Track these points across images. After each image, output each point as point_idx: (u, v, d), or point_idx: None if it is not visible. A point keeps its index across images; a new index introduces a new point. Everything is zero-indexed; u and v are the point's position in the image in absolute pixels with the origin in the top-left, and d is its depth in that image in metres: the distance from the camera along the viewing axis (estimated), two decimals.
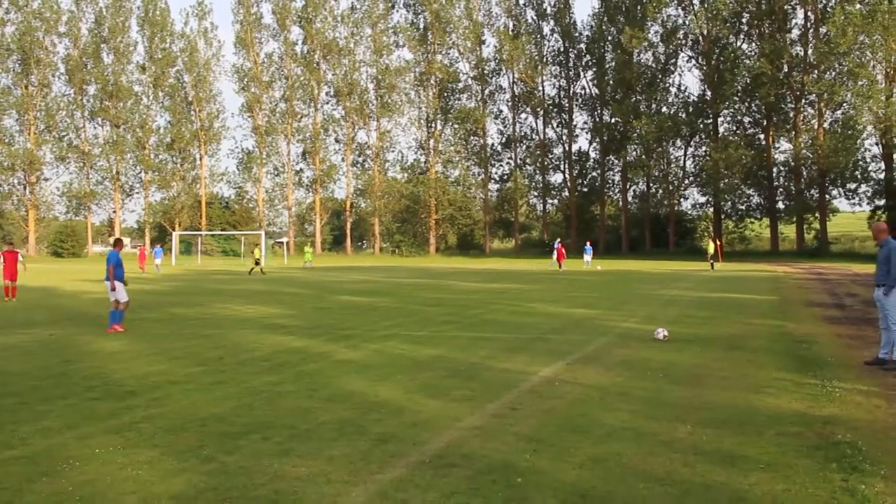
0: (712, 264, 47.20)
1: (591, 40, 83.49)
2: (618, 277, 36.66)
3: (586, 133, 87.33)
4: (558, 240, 53.68)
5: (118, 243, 16.40)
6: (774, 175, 72.49)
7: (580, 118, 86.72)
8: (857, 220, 70.67)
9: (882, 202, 64.47)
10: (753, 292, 25.68)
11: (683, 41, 77.17)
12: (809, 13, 68.49)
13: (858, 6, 61.06)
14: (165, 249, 71.61)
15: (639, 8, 75.63)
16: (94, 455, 6.26)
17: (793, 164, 69.96)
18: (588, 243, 53.68)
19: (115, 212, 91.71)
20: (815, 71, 66.09)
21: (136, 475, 5.74)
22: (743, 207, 75.37)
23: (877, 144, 65.02)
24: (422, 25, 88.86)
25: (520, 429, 7.04)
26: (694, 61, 77.67)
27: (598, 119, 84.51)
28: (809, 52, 67.15)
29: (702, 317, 17.28)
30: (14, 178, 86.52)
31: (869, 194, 65.83)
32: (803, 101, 69.24)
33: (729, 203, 74.83)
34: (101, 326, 16.11)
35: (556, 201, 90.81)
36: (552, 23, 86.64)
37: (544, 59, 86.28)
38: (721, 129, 75.96)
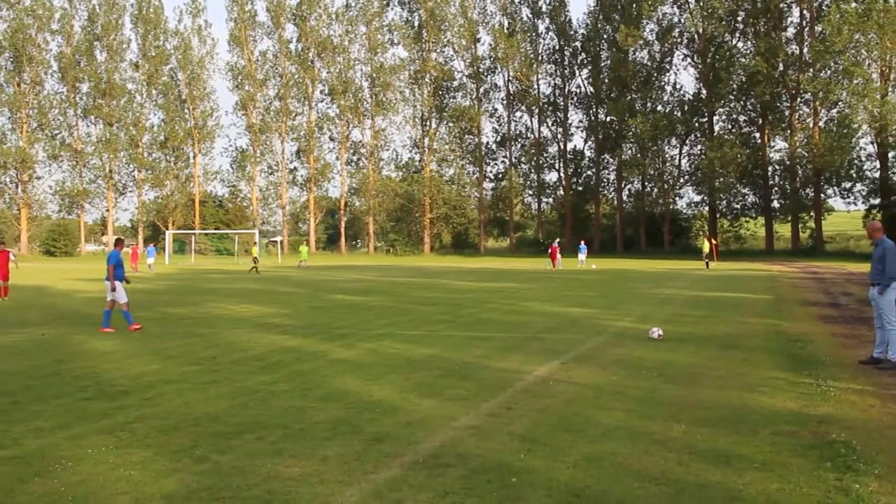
0: (707, 263, 47.25)
1: (586, 38, 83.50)
2: (613, 276, 36.69)
3: (581, 131, 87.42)
4: (558, 239, 53.62)
5: (119, 243, 16.36)
6: (770, 174, 72.60)
7: (575, 116, 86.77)
8: (852, 218, 70.91)
9: (877, 201, 64.66)
10: (748, 291, 25.72)
11: (679, 39, 77.29)
12: (805, 11, 68.66)
13: (854, 5, 61.22)
14: (158, 248, 71.44)
15: (634, 6, 75.70)
16: (87, 455, 6.23)
17: (788, 162, 70.10)
18: (582, 242, 53.66)
19: (108, 210, 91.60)
20: (811, 69, 66.24)
21: (128, 475, 5.71)
22: (738, 206, 75.47)
23: (872, 143, 65.21)
24: (416, 23, 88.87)
25: (514, 428, 7.03)
26: (689, 60, 77.87)
27: (593, 117, 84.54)
28: (805, 50, 67.28)
29: (697, 316, 17.29)
30: (6, 177, 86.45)
31: (864, 193, 66.02)
32: (799, 99, 69.36)
33: (724, 202, 74.92)
34: (94, 326, 16.06)
35: (550, 200, 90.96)
36: (547, 21, 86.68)
37: (539, 58, 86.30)
38: (716, 128, 76.17)
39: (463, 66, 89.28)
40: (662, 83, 80.00)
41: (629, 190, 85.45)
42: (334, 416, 7.59)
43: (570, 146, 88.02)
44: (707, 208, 78.12)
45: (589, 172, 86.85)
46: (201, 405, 8.10)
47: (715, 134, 74.73)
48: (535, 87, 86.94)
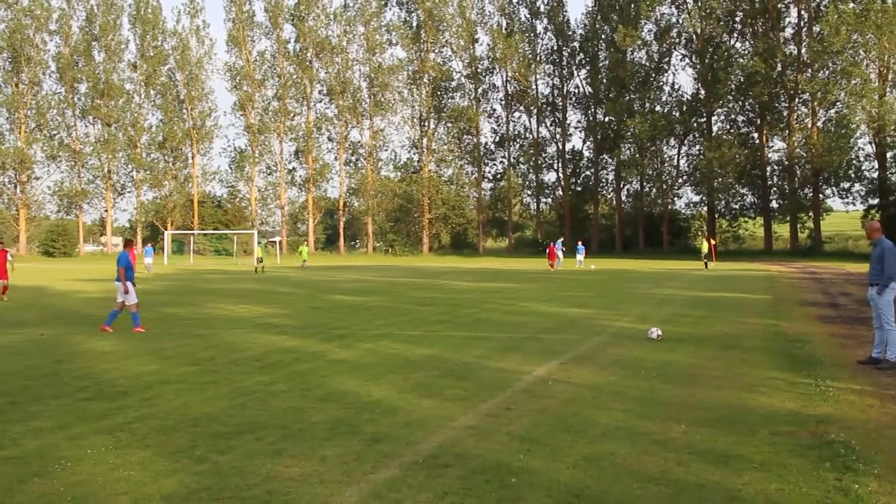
0: (706, 263, 47.27)
1: (584, 39, 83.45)
2: (611, 276, 36.71)
3: (580, 132, 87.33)
4: (560, 240, 53.54)
5: (129, 244, 16.36)
6: (768, 174, 72.58)
7: (574, 117, 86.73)
8: (851, 219, 70.91)
9: (875, 201, 64.70)
10: (747, 291, 25.73)
11: (677, 40, 77.28)
12: (803, 12, 68.66)
13: (852, 5, 61.26)
14: (157, 249, 71.36)
15: (632, 6, 75.67)
16: (86, 455, 6.23)
17: (786, 163, 70.08)
18: (580, 242, 53.59)
19: (106, 211, 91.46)
20: (809, 70, 66.25)
21: (127, 476, 5.71)
22: (737, 206, 75.44)
23: (870, 143, 65.29)
24: (415, 23, 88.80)
25: (513, 428, 7.03)
26: (687, 60, 77.79)
27: (591, 118, 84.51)
28: (803, 50, 67.30)
29: (695, 316, 17.30)
30: (5, 177, 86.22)
31: (862, 193, 66.07)
32: (797, 100, 69.36)
33: (723, 202, 74.89)
34: (93, 326, 16.06)
35: (549, 200, 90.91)
36: (545, 21, 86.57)
37: (538, 58, 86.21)
38: (715, 128, 76.16)
39: (461, 66, 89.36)
40: (661, 83, 79.97)
41: (628, 190, 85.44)
42: (333, 416, 7.59)
43: (568, 146, 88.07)
44: (706, 208, 78.09)
45: (587, 173, 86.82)
46: (200, 405, 8.10)
47: (713, 134, 74.72)
48: (534, 87, 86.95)
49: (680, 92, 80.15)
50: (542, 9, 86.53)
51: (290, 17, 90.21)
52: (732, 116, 75.59)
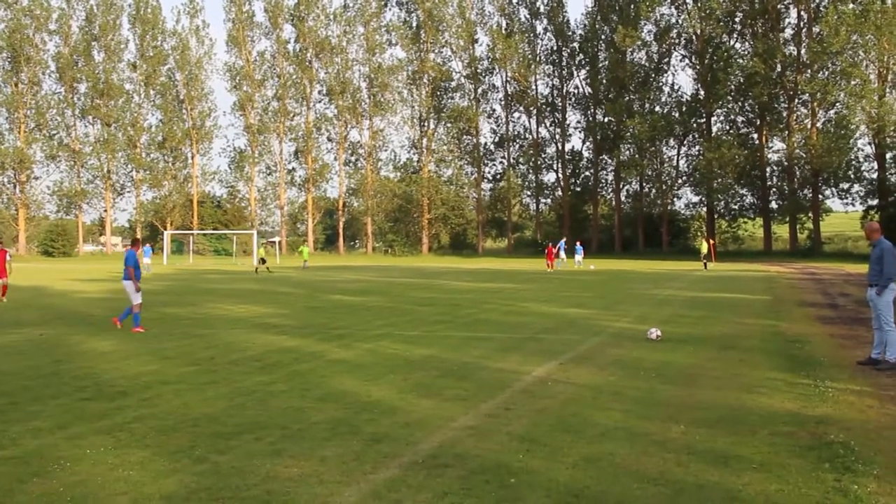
0: (705, 264, 47.29)
1: (584, 39, 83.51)
2: (611, 277, 36.71)
3: (579, 132, 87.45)
4: (563, 240, 53.54)
5: (136, 243, 16.36)
6: (767, 175, 72.61)
7: (573, 117, 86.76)
8: (850, 219, 70.91)
9: (875, 202, 64.74)
10: (746, 292, 25.74)
11: (677, 40, 77.32)
12: (803, 12, 68.68)
13: (851, 6, 61.31)
14: (156, 249, 71.38)
15: (632, 7, 75.75)
16: (86, 455, 6.23)
17: (786, 163, 70.10)
18: (578, 243, 53.51)
19: (106, 211, 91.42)
20: (809, 70, 66.27)
21: (127, 476, 5.71)
22: (736, 207, 75.47)
23: (869, 144, 65.34)
24: (414, 24, 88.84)
25: (513, 428, 7.03)
26: (687, 60, 77.83)
27: (591, 118, 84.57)
28: (803, 51, 67.32)
29: (695, 316, 17.30)
30: (4, 177, 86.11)
31: (862, 194, 66.12)
32: (796, 100, 69.39)
33: (722, 203, 74.92)
34: (92, 325, 16.06)
35: (549, 201, 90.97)
36: (545, 21, 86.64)
37: (537, 58, 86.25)
38: (714, 129, 76.17)
39: (461, 66, 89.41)
40: (660, 84, 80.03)
41: (627, 191, 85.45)
42: (333, 416, 7.59)
43: (568, 147, 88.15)
44: (705, 209, 78.10)
45: (587, 173, 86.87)
46: (200, 406, 8.10)
47: (713, 135, 74.74)
48: (533, 87, 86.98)
49: (679, 92, 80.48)
50: (541, 9, 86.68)
51: (289, 17, 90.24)
52: (732, 117, 75.64)
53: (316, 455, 6.21)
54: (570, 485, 5.46)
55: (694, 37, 74.54)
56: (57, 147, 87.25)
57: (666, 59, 78.97)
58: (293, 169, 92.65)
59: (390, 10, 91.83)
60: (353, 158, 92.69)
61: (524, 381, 9.44)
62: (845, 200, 67.11)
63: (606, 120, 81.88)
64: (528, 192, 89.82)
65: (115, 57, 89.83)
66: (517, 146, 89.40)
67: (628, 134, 76.54)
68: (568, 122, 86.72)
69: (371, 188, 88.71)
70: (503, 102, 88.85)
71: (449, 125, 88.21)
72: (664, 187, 79.70)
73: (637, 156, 78.71)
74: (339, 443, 6.58)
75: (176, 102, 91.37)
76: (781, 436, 6.77)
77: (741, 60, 70.07)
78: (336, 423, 7.31)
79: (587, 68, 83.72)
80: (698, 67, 74.66)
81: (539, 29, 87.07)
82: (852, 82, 61.92)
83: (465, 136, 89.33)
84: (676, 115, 76.47)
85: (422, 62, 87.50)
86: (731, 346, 12.37)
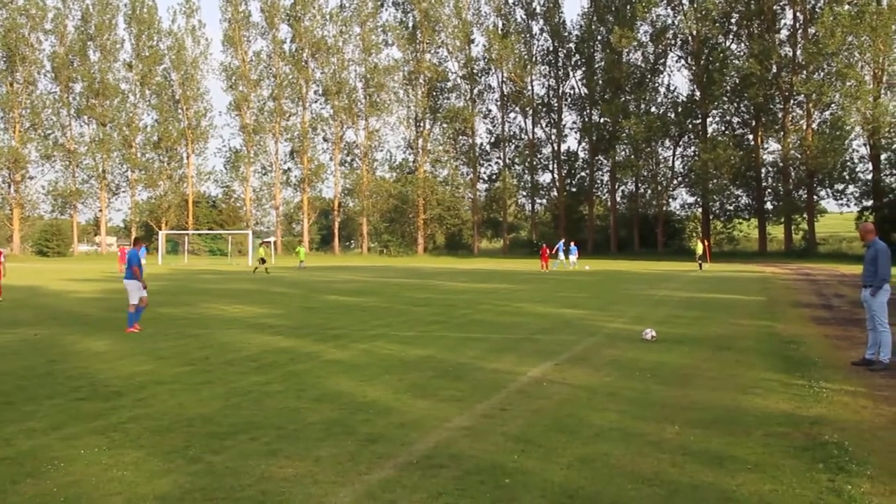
0: (700, 265, 47.34)
1: (580, 40, 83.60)
2: (606, 278, 36.74)
3: (575, 133, 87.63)
4: (562, 241, 53.56)
5: (138, 242, 16.38)
6: (763, 175, 72.78)
7: (569, 118, 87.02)
8: (845, 220, 71.09)
9: (869, 203, 64.89)
10: (741, 293, 25.78)
11: (673, 41, 77.43)
12: (798, 14, 68.79)
13: (847, 7, 61.44)
14: (150, 249, 71.23)
15: (628, 7, 75.76)
16: (80, 456, 6.22)
17: (781, 164, 70.26)
18: (573, 243, 53.48)
19: (101, 211, 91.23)
20: (804, 71, 66.39)
21: (121, 476, 5.70)
22: (731, 208, 75.63)
23: (864, 145, 65.44)
24: (411, 24, 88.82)
25: (508, 429, 7.03)
26: (683, 61, 78.00)
27: (587, 119, 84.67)
28: (798, 52, 67.44)
29: (690, 317, 17.32)
30: None
31: (856, 195, 66.23)
32: (792, 101, 69.53)
33: (717, 203, 75.05)
34: (86, 325, 16.04)
35: (544, 201, 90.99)
36: (541, 22, 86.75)
37: (533, 59, 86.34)
38: (710, 130, 76.23)
39: (457, 66, 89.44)
40: (656, 85, 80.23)
41: (623, 191, 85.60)
42: (328, 416, 7.58)
43: (563, 147, 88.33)
44: (700, 210, 78.21)
45: (583, 174, 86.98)
46: (195, 406, 8.09)
47: (708, 135, 74.80)
48: (529, 88, 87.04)
49: (675, 93, 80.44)
50: (537, 10, 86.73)
51: (286, 17, 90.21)
52: (727, 118, 75.75)
53: (311, 455, 6.20)
54: (565, 485, 5.46)
55: (690, 38, 74.65)
56: (52, 147, 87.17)
57: (662, 60, 79.11)
58: (289, 169, 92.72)
59: (386, 10, 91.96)
60: (348, 158, 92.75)
61: (519, 381, 9.44)
62: (840, 201, 67.29)
63: (602, 120, 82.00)
64: (524, 193, 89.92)
65: (111, 57, 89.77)
66: (513, 146, 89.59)
67: (624, 134, 76.63)
68: (564, 122, 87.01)
69: (367, 188, 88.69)
70: (499, 103, 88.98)
71: (445, 125, 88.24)
72: (660, 188, 79.78)
73: (633, 156, 78.78)
74: (334, 443, 6.58)
75: (171, 102, 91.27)
76: (776, 436, 6.78)
77: (737, 61, 70.20)
78: (331, 423, 7.31)
79: (583, 69, 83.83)
80: (694, 68, 74.77)
81: (535, 29, 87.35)
82: (847, 83, 62.02)
83: (460, 137, 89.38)
84: (672, 115, 76.59)
85: (418, 62, 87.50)
86: (727, 347, 12.38)
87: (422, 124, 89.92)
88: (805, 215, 69.12)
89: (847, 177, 65.57)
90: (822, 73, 65.33)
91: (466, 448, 6.40)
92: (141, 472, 5.78)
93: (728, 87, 70.86)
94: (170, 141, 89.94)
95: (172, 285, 32.01)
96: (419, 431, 6.97)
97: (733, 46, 73.70)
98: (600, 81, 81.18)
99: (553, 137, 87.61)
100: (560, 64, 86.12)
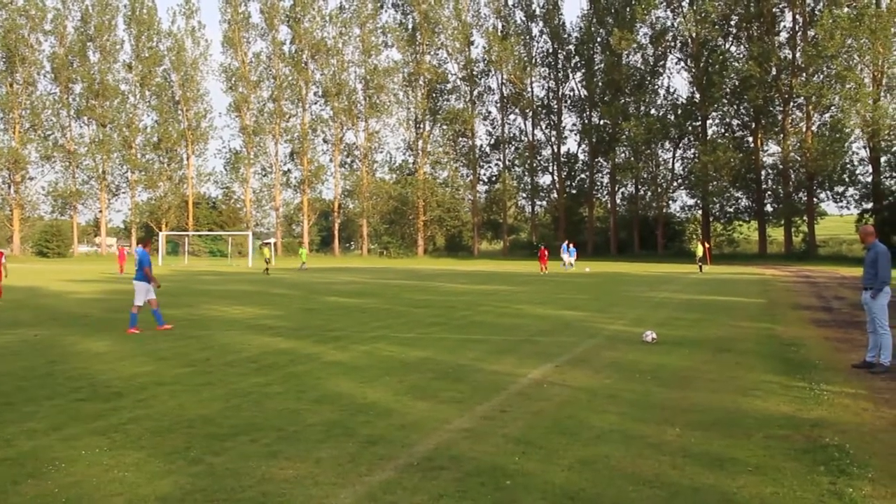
0: (700, 267, 47.32)
1: (580, 42, 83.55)
2: (606, 279, 36.73)
3: (575, 135, 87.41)
4: (566, 242, 53.46)
5: (147, 242, 16.41)
6: (762, 178, 72.70)
7: (569, 120, 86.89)
8: (845, 223, 71.04)
9: (869, 205, 64.82)
10: (742, 295, 25.77)
11: (672, 43, 77.34)
12: (798, 16, 68.75)
13: (846, 10, 61.40)
14: (151, 250, 71.15)
15: (628, 10, 75.71)
16: (80, 456, 6.22)
17: (781, 166, 70.18)
18: (571, 245, 53.15)
19: (101, 212, 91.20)
20: (804, 74, 66.35)
21: (122, 477, 5.70)
22: (731, 210, 75.48)
23: (864, 148, 65.36)
24: (410, 26, 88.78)
25: (508, 431, 7.03)
26: (682, 63, 77.86)
27: (586, 121, 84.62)
28: (797, 55, 67.40)
29: (690, 319, 17.32)
30: None
31: (856, 197, 66.10)
32: (791, 103, 69.46)
33: (717, 205, 74.91)
34: (86, 326, 16.05)
35: (544, 203, 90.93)
36: (541, 24, 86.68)
37: (533, 61, 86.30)
38: (709, 132, 76.12)
39: (457, 68, 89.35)
40: (656, 87, 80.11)
41: (623, 193, 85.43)
42: (328, 418, 7.58)
43: (563, 149, 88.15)
44: (700, 212, 78.14)
45: (582, 175, 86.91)
46: (195, 407, 8.09)
47: (708, 138, 74.70)
48: (529, 89, 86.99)
49: (675, 95, 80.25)
50: (537, 12, 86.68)
51: (285, 18, 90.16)
52: (727, 120, 75.64)
53: (311, 457, 6.20)
54: (566, 487, 5.46)
55: (689, 40, 74.58)
56: (52, 147, 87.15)
57: (661, 62, 78.99)
58: (289, 170, 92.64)
59: (386, 11, 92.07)
60: (348, 160, 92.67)
61: (520, 383, 9.44)
62: (840, 204, 67.17)
63: (602, 122, 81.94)
64: (524, 195, 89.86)
65: (111, 57, 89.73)
66: (513, 148, 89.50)
67: (624, 136, 76.52)
68: (563, 124, 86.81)
69: (366, 190, 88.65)
70: (499, 104, 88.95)
71: (444, 127, 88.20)
72: (659, 190, 79.73)
73: (632, 158, 78.67)
74: (334, 445, 6.58)
75: (171, 103, 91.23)
76: (776, 439, 6.78)
77: (736, 63, 70.11)
78: (331, 424, 7.31)
79: (583, 71, 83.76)
80: (693, 70, 74.70)
81: (535, 31, 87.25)
82: (847, 86, 61.98)
83: (460, 139, 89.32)
84: (672, 117, 76.51)
85: (417, 64, 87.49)
86: (727, 349, 12.38)
87: (421, 126, 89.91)
88: (805, 217, 69.06)
89: (847, 179, 65.52)
90: (821, 76, 65.29)
91: (467, 450, 6.40)
92: (142, 473, 5.78)
93: (728, 90, 70.78)
94: (170, 142, 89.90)
95: (173, 286, 31.98)
96: (419, 433, 6.97)
97: (733, 49, 73.67)
98: (600, 83, 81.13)
99: (553, 139, 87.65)
100: (560, 66, 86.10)
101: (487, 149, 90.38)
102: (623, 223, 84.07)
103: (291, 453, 6.31)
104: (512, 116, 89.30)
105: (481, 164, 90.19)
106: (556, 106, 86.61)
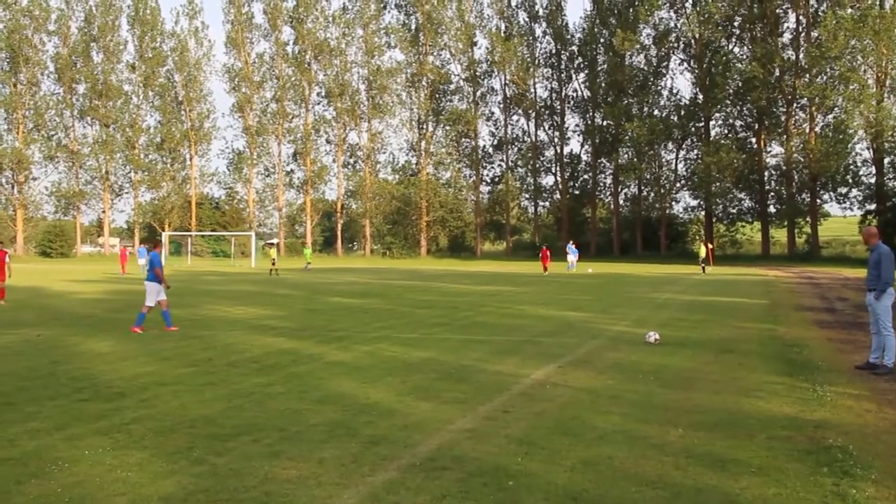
0: (703, 268, 47.24)
1: (583, 42, 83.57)
2: (609, 280, 36.71)
3: (578, 135, 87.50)
4: (571, 242, 53.38)
5: (158, 244, 16.47)
6: (766, 179, 72.62)
7: (572, 120, 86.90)
8: (848, 224, 70.91)
9: (873, 206, 64.75)
10: (745, 296, 25.75)
11: (675, 44, 77.31)
12: (801, 17, 68.71)
13: (850, 11, 61.37)
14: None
15: (631, 10, 75.75)
16: (83, 456, 6.22)
17: (784, 167, 70.10)
18: (574, 245, 53.02)
19: (104, 212, 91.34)
20: (807, 75, 66.27)
21: (125, 477, 5.70)
22: (734, 211, 75.42)
23: (867, 149, 65.33)
24: (413, 26, 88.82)
25: (511, 431, 7.03)
26: (686, 64, 77.83)
27: (589, 121, 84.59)
28: (801, 56, 67.33)
29: (693, 320, 17.30)
30: (2, 178, 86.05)
31: (860, 199, 66.07)
32: (795, 105, 69.38)
33: (720, 206, 74.86)
34: (89, 326, 16.06)
35: (547, 204, 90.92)
36: (544, 25, 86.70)
37: (536, 61, 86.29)
38: (713, 133, 76.14)
39: (460, 69, 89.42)
40: (659, 88, 79.99)
41: (626, 194, 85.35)
42: (331, 418, 7.58)
43: (566, 150, 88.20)
44: (703, 213, 78.07)
45: (585, 176, 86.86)
46: (197, 407, 8.09)
47: (711, 138, 74.69)
48: (532, 90, 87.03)
49: (678, 96, 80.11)
50: (540, 12, 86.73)
51: (288, 19, 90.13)
52: (730, 121, 75.60)
53: (314, 457, 6.20)
54: (569, 488, 5.46)
55: (692, 41, 74.55)
56: (55, 148, 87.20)
57: (665, 63, 78.95)
58: (292, 171, 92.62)
59: (389, 12, 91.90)
60: (351, 160, 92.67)
61: (522, 384, 9.43)
62: (843, 205, 67.15)
63: (605, 123, 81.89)
64: (527, 195, 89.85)
65: (114, 58, 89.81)
66: (516, 149, 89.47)
67: (627, 137, 76.44)
68: (566, 125, 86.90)
69: (369, 190, 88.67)
70: (502, 105, 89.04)
71: (447, 128, 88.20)
72: (662, 191, 79.69)
73: (635, 159, 78.62)
74: (337, 445, 6.58)
75: (174, 104, 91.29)
76: (779, 440, 6.78)
77: (740, 65, 70.08)
78: (334, 425, 7.31)
79: (586, 72, 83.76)
80: (697, 71, 74.69)
81: (538, 32, 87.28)
82: (850, 87, 61.94)
83: (463, 139, 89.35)
84: (675, 118, 76.48)
85: (420, 65, 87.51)
86: (730, 350, 12.37)
87: (424, 126, 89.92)
88: (808, 219, 69.01)
89: (850, 180, 65.45)
90: (824, 77, 65.22)
91: (470, 450, 6.39)
92: (145, 473, 5.78)
93: (731, 91, 70.75)
94: (173, 142, 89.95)
95: (176, 287, 31.93)
96: (422, 433, 6.97)
97: (736, 50, 73.68)
98: (603, 84, 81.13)
99: (556, 140, 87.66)
100: (563, 67, 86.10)
101: (490, 149, 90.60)
102: (626, 224, 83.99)
103: (294, 453, 6.31)
104: (515, 117, 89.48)
105: (484, 164, 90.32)
106: (559, 107, 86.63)
